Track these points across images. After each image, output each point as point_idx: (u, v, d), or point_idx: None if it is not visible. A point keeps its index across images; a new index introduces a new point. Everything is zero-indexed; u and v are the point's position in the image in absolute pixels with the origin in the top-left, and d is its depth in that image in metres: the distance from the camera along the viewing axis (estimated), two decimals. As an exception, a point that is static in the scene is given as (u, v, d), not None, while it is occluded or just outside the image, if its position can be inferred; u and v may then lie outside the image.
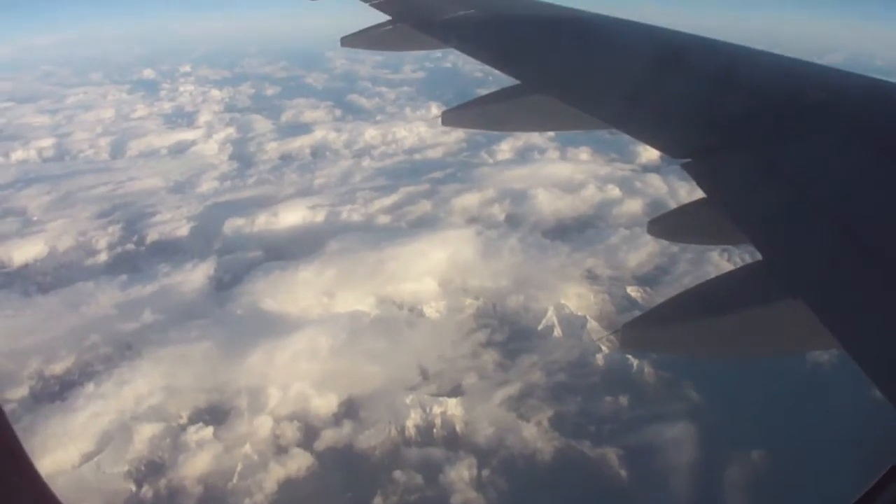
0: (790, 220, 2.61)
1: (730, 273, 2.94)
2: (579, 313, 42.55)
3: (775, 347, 3.12)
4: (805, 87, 3.57)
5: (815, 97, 3.33)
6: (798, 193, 2.73)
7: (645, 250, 49.42)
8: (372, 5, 6.68)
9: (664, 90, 3.96)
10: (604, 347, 39.77)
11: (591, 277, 47.07)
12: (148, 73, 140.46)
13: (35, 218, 55.85)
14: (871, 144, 2.86)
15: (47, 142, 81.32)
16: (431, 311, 43.38)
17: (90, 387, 33.99)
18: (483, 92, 4.94)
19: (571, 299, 44.19)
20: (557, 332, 41.22)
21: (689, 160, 3.19)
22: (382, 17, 6.12)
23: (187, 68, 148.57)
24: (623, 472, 31.91)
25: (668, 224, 3.96)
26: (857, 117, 3.11)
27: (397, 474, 32.21)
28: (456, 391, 37.00)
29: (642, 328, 2.89)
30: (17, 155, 74.38)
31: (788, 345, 2.91)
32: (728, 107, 3.58)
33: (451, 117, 4.92)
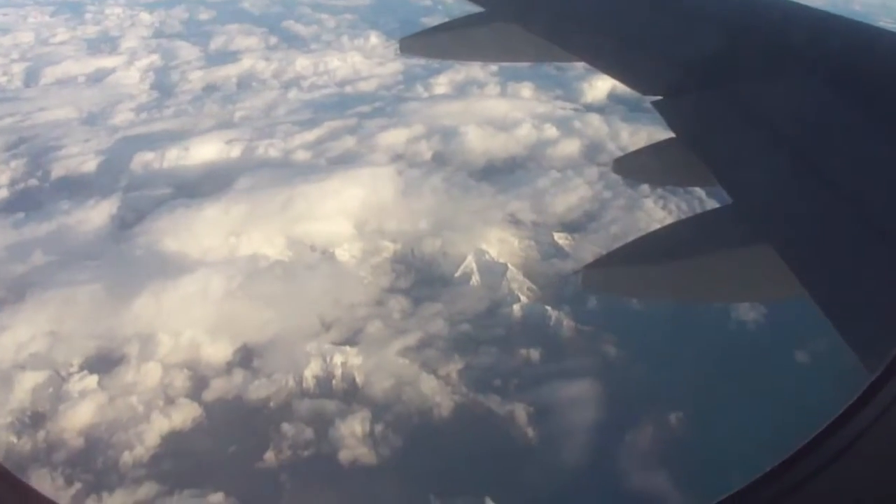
0: (760, 164, 2.66)
1: (699, 216, 3.25)
2: (500, 260, 41.96)
3: (741, 292, 3.35)
4: (783, 27, 3.57)
5: (794, 38, 3.33)
6: (770, 136, 2.80)
7: (575, 195, 49.07)
8: None
9: (639, 25, 3.88)
10: (523, 297, 38.98)
11: (515, 222, 46.32)
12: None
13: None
14: (845, 87, 2.88)
15: (-43, 67, 79.18)
16: (344, 254, 42.66)
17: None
18: (431, 22, 4.17)
19: (493, 245, 43.50)
20: (476, 279, 40.70)
21: (659, 98, 3.27)
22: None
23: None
24: (530, 431, 31.86)
25: (635, 163, 4.16)
26: (835, 60, 3.11)
27: (286, 427, 31.78)
28: (360, 340, 36.61)
29: (606, 268, 3.17)
30: (-77, 80, 70.51)
31: (755, 290, 3.16)
32: (703, 45, 3.51)
33: (410, 44, 4.84)
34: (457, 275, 41.23)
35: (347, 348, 35.48)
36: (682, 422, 30.71)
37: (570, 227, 46.10)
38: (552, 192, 49.56)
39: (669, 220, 40.37)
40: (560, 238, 44.89)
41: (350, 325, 37.09)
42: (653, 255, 2.89)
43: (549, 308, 37.81)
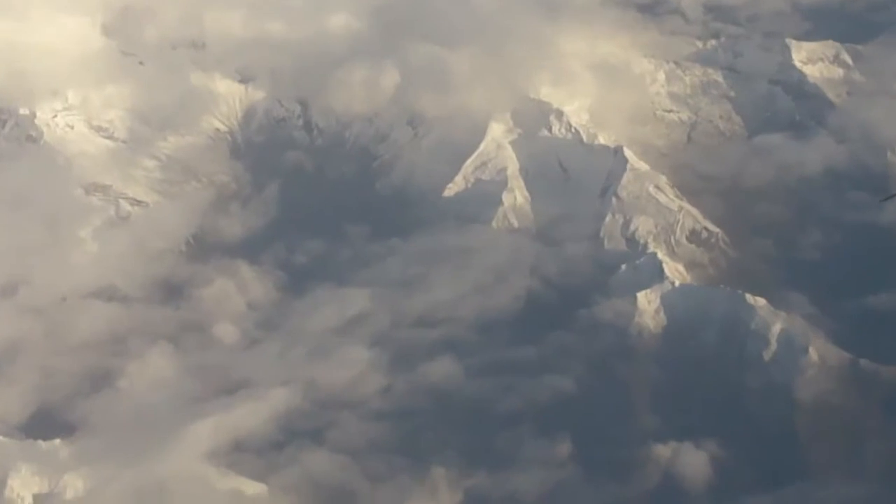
0: None
1: None
2: (602, 139, 30.54)
3: None
4: None
5: None
6: None
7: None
8: None
9: None
10: (670, 267, 30.30)
11: (665, 14, 38.62)
12: None
13: None
14: None
15: None
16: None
17: None
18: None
19: (580, 91, 31.70)
20: (512, 203, 29.68)
21: None
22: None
23: None
24: None
25: None
26: None
27: None
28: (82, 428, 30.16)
29: None
30: None
31: None
32: None
33: None
34: (447, 192, 28.25)
35: (57, 443, 25.04)
36: None
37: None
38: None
39: None
40: (809, 66, 34.83)
41: (72, 374, 29.62)
42: None
43: (760, 303, 26.81)
